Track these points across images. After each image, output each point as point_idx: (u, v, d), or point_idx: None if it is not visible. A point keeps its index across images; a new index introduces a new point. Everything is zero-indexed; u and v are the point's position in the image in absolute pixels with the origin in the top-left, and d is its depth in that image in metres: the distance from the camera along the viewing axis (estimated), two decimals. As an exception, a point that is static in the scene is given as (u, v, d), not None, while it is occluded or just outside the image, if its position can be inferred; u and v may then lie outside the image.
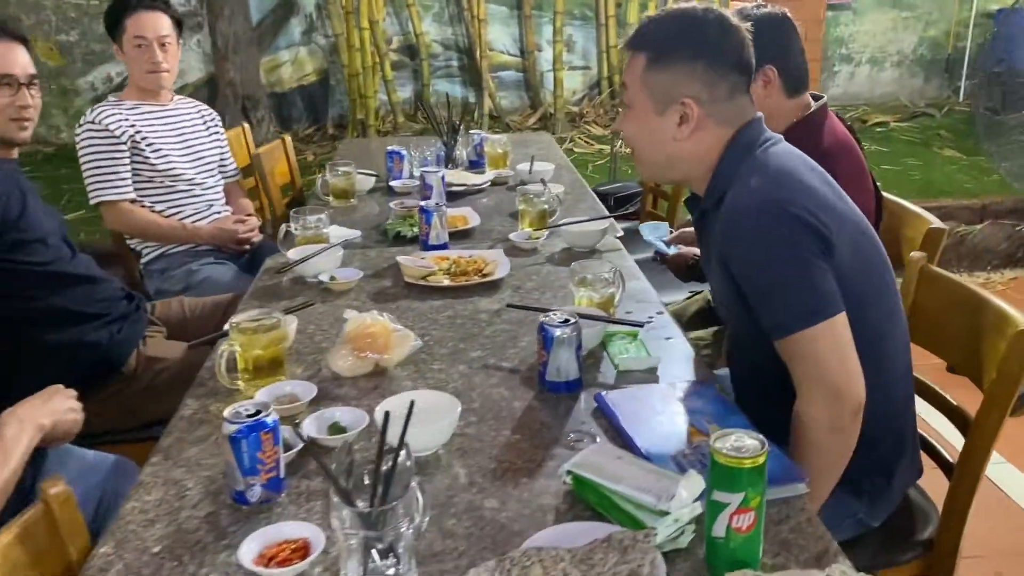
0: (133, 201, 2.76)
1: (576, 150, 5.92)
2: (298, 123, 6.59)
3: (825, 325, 1.31)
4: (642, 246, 3.28)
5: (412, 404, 1.02)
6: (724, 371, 1.92)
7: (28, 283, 1.92)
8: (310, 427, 1.34)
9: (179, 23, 2.85)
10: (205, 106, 3.09)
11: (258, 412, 1.17)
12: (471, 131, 3.22)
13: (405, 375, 1.56)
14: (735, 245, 1.39)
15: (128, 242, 2.87)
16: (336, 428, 1.34)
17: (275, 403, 1.42)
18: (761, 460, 0.98)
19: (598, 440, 1.32)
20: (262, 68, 6.43)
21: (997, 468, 2.63)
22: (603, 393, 1.43)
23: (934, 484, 1.63)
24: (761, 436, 1.01)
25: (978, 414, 1.54)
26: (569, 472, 1.17)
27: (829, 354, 1.32)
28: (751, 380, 1.60)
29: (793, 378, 1.36)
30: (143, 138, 2.76)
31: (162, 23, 2.75)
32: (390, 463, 0.97)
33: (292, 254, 2.06)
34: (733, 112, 1.46)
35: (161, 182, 2.80)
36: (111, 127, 2.70)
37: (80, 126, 2.73)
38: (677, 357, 1.61)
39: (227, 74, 6.29)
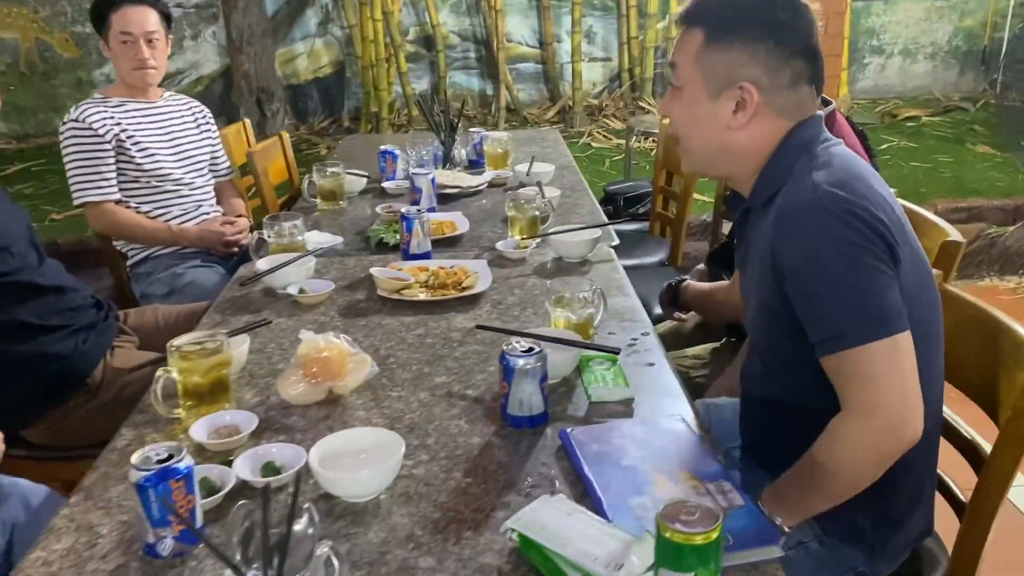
0: (118, 202, 2.68)
1: (594, 145, 5.77)
2: (314, 116, 6.50)
3: (888, 343, 1.16)
4: (646, 252, 3.16)
5: (299, 477, 0.90)
6: (723, 400, 1.79)
7: None
8: (243, 466, 1.22)
9: (168, 18, 2.75)
10: (196, 102, 3.00)
11: (171, 457, 1.06)
12: (471, 129, 3.09)
13: (360, 403, 1.45)
14: (791, 241, 1.23)
15: (114, 244, 2.79)
16: (270, 469, 1.22)
17: (214, 435, 1.33)
18: (715, 536, 0.85)
19: (557, 485, 1.20)
20: (277, 60, 6.35)
21: (1016, 492, 2.46)
22: (568, 430, 1.30)
23: (944, 522, 1.48)
24: (722, 505, 0.88)
25: (993, 451, 1.40)
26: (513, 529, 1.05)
27: (889, 378, 1.16)
28: (767, 412, 1.45)
29: (840, 399, 1.21)
30: (129, 136, 2.67)
31: (149, 18, 2.66)
32: (289, 529, 0.85)
33: (262, 264, 1.95)
34: (794, 103, 1.31)
35: (147, 182, 2.72)
36: (95, 125, 2.61)
37: (64, 124, 2.65)
38: (657, 388, 1.48)
39: (242, 66, 6.22)
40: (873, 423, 1.18)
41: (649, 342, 1.64)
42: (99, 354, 1.97)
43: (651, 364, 1.56)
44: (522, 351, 1.32)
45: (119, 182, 2.67)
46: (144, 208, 2.72)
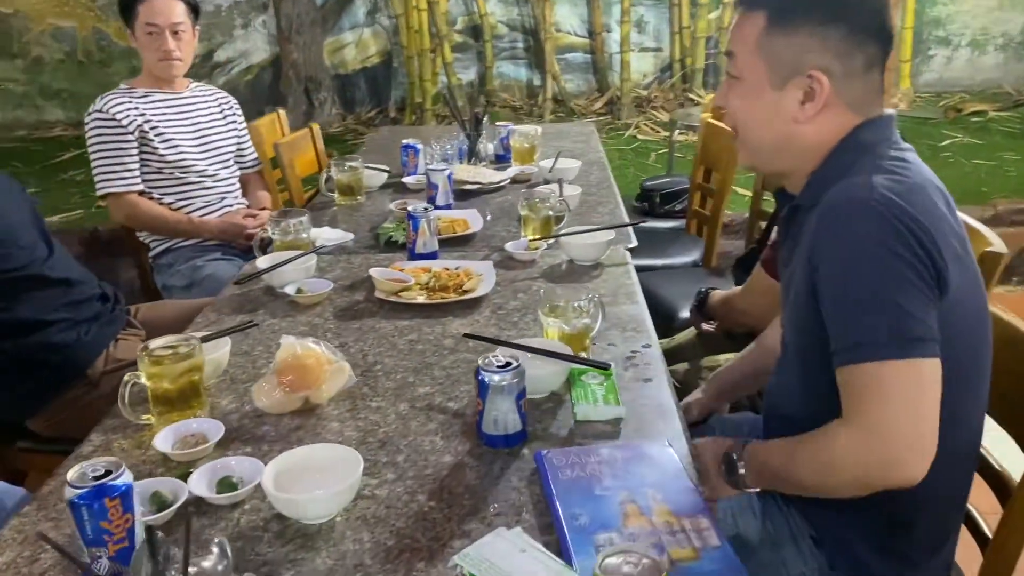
0: (141, 193, 2.67)
1: (640, 137, 5.64)
2: (361, 106, 6.50)
3: (909, 366, 1.05)
4: (680, 252, 3.03)
5: (189, 524, 0.83)
6: (740, 416, 1.69)
7: (2, 293, 1.84)
8: (200, 480, 1.17)
9: (195, 9, 2.73)
10: (223, 93, 2.98)
11: (108, 473, 1.01)
12: (498, 123, 3.01)
13: (336, 414, 1.39)
14: (831, 239, 1.12)
15: (137, 234, 2.79)
16: (227, 484, 1.17)
17: (180, 444, 1.28)
18: (657, 593, 0.76)
19: (522, 514, 1.12)
20: (326, 49, 6.36)
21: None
22: (544, 452, 1.22)
23: (964, 554, 1.36)
24: (694, 545, 0.79)
25: (1020, 485, 1.28)
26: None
27: (902, 405, 1.05)
28: (791, 432, 1.31)
29: (844, 412, 1.10)
30: (152, 127, 2.66)
31: (175, 10, 2.64)
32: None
33: (262, 261, 1.91)
34: (866, 92, 1.20)
35: (171, 173, 2.71)
36: (118, 116, 2.61)
37: (89, 115, 2.65)
38: (651, 407, 1.38)
39: (291, 55, 6.26)
40: (869, 445, 1.07)
41: (650, 355, 1.54)
42: (101, 346, 1.95)
43: (648, 380, 1.46)
44: (498, 366, 1.24)
45: (142, 173, 2.67)
46: (167, 199, 2.71)
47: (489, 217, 2.31)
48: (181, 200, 2.73)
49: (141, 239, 2.79)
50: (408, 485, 1.19)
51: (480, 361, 1.26)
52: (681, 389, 1.71)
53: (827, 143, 1.22)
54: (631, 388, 1.43)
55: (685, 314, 2.25)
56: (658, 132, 5.68)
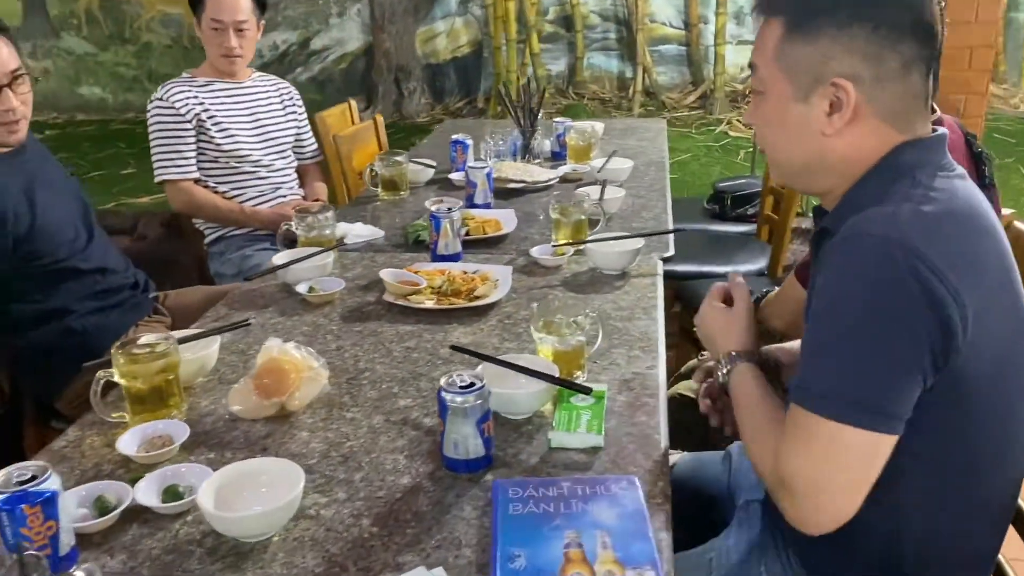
0: (197, 181, 2.72)
1: (731, 133, 5.43)
2: (450, 96, 6.50)
3: (859, 435, 0.95)
4: (747, 259, 2.87)
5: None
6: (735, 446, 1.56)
7: (35, 284, 1.89)
8: (149, 486, 1.15)
9: (262, 4, 2.75)
10: (284, 83, 2.99)
11: (34, 478, 1.00)
12: (556, 119, 2.92)
13: (309, 423, 1.34)
14: (832, 269, 1.02)
15: (194, 221, 2.84)
16: (172, 493, 1.14)
17: (146, 445, 1.27)
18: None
19: (459, 549, 1.05)
20: (418, 39, 6.39)
21: None
22: (501, 482, 1.15)
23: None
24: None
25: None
26: (373, 604, 0.91)
27: (837, 471, 0.97)
28: None
29: (782, 440, 1.02)
30: (210, 116, 2.70)
31: (240, 7, 2.66)
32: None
33: (279, 257, 1.89)
34: (905, 99, 1.06)
35: (226, 163, 2.74)
36: (177, 104, 2.65)
37: (151, 102, 2.71)
38: (635, 437, 1.28)
39: (383, 44, 6.31)
40: (781, 482, 1.01)
41: (652, 379, 1.44)
42: (120, 331, 1.97)
43: (642, 405, 1.36)
44: (460, 387, 1.17)
45: (199, 162, 2.71)
46: (221, 188, 2.75)
47: (541, 216, 2.24)
48: (235, 189, 2.76)
49: (197, 226, 2.84)
50: (356, 507, 1.13)
51: (443, 380, 1.19)
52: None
53: (864, 160, 1.08)
54: (621, 414, 1.33)
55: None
56: (749, 129, 5.44)
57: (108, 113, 6.87)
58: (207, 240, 2.81)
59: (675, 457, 1.64)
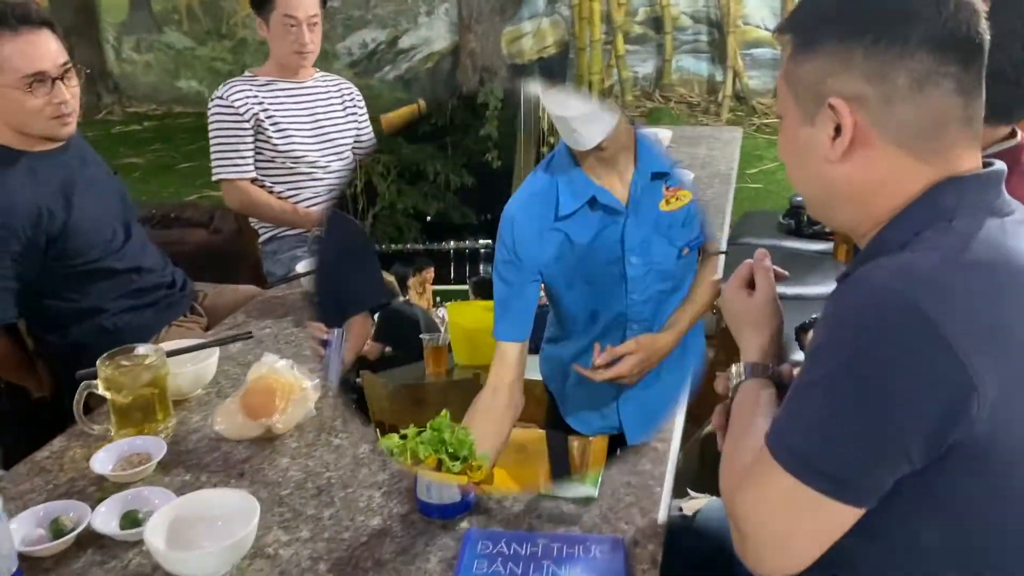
0: (254, 180, 2.71)
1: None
2: (534, 96, 6.41)
3: (819, 500, 0.83)
4: (820, 279, 2.68)
5: None
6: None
7: (69, 282, 1.89)
8: (109, 511, 1.10)
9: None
10: (347, 83, 2.96)
11: (-27, 501, 0.95)
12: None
13: (293, 447, 1.28)
14: (827, 317, 0.89)
15: (250, 220, 2.84)
16: (131, 519, 1.09)
17: (123, 463, 1.22)
18: None
19: (414, 610, 0.95)
20: (504, 39, 6.32)
21: None
22: (474, 532, 1.05)
23: None
24: None
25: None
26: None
27: (788, 524, 0.86)
28: None
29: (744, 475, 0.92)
30: (268, 116, 2.68)
31: (313, 1, 2.64)
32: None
33: (302, 265, 1.84)
34: (921, 122, 0.89)
35: (282, 163, 2.72)
36: (236, 104, 2.65)
37: (211, 100, 2.72)
38: (635, 489, 1.15)
39: (469, 44, 6.28)
40: (736, 525, 0.90)
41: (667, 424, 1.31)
42: (151, 331, 1.95)
43: (651, 450, 1.24)
44: (436, 425, 1.08)
45: (256, 161, 2.70)
46: (277, 188, 2.73)
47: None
48: (291, 189, 2.74)
49: (252, 225, 2.84)
50: (317, 549, 1.06)
51: (420, 416, 1.10)
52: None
53: (888, 196, 0.91)
54: (626, 461, 1.21)
55: (795, 355, 1.97)
56: (843, 138, 5.16)
57: (203, 106, 7.02)
58: (261, 239, 2.80)
59: (702, 502, 1.50)
